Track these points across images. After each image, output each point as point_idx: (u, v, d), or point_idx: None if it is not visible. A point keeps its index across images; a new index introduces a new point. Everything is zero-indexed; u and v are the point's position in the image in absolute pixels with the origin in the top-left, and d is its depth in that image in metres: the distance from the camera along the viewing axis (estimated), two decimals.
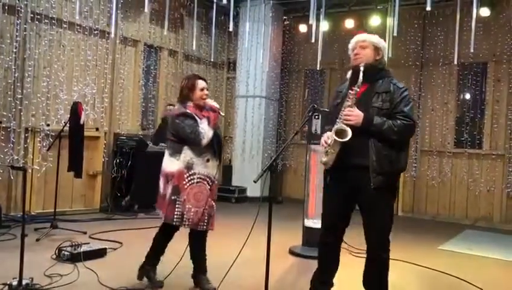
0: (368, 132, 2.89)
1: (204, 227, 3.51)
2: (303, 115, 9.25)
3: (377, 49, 3.06)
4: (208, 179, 3.48)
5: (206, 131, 3.40)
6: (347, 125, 2.89)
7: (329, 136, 2.94)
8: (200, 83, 3.52)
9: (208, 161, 3.48)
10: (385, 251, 3.00)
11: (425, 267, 4.71)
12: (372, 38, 3.09)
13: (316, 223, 4.97)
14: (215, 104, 3.58)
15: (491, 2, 7.34)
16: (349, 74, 3.16)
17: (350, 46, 3.14)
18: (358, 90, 2.93)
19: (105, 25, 7.02)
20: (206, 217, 3.48)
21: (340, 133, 2.88)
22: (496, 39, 7.58)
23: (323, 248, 3.18)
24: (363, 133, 2.88)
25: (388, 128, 2.88)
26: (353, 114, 2.90)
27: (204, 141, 3.39)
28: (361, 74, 2.92)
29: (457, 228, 7.14)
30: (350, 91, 2.95)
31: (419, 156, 8.16)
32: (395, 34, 6.69)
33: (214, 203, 3.54)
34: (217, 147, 3.54)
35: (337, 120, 2.93)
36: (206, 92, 3.53)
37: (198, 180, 3.44)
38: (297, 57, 9.52)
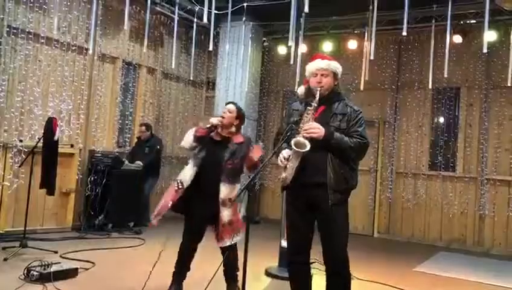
0: (328, 145, 2.98)
1: (152, 219, 3.86)
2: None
3: (335, 75, 3.19)
4: (177, 181, 3.81)
5: (185, 136, 3.89)
6: (310, 138, 2.95)
7: (287, 152, 3.02)
8: (225, 107, 3.95)
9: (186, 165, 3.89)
10: (345, 267, 3.05)
11: (400, 289, 4.73)
12: (331, 66, 3.18)
13: None
14: (212, 119, 3.87)
15: (464, 30, 7.60)
16: (300, 91, 3.28)
17: (310, 69, 3.20)
18: (315, 105, 3.06)
19: (83, 41, 6.97)
20: (156, 212, 3.82)
21: (298, 145, 2.94)
22: (468, 65, 7.82)
23: (293, 268, 3.20)
24: (322, 150, 2.97)
25: (346, 142, 3.00)
26: (314, 127, 2.98)
27: (182, 143, 3.94)
28: (317, 97, 3.07)
29: (432, 249, 7.22)
30: (308, 107, 3.08)
31: (395, 178, 8.27)
32: (371, 57, 6.82)
33: (168, 205, 3.75)
34: (202, 162, 3.78)
35: (297, 135, 2.99)
36: (223, 114, 3.88)
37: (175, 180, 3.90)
38: (276, 78, 9.61)
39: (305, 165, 2.99)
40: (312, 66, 3.19)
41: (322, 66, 3.15)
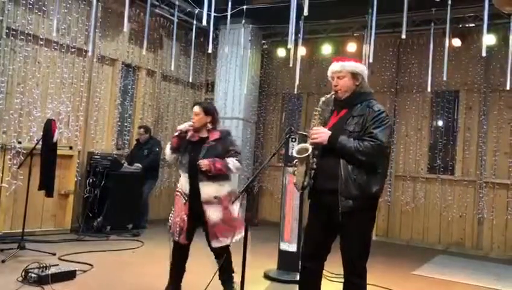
0: (334, 150, 2.88)
1: (177, 238, 3.70)
2: (280, 137, 9.30)
3: (355, 75, 3.04)
4: (182, 193, 3.75)
5: (166, 150, 3.94)
6: (314, 143, 2.92)
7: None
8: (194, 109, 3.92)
9: (180, 176, 3.85)
10: (358, 277, 2.97)
11: None
12: (347, 66, 3.04)
13: (291, 246, 4.95)
14: (180, 126, 3.84)
15: (463, 33, 7.61)
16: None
17: (328, 74, 3.14)
18: (319, 109, 3.02)
19: (82, 43, 6.97)
20: (178, 229, 3.70)
21: (300, 151, 2.92)
22: (467, 69, 7.82)
23: (304, 274, 3.12)
24: (335, 156, 2.88)
25: (353, 147, 2.83)
26: (319, 132, 2.93)
27: (166, 158, 4.04)
28: (320, 101, 3.06)
29: (431, 253, 7.21)
30: (314, 112, 3.04)
31: (394, 181, 8.26)
32: (370, 60, 6.84)
33: (185, 218, 3.69)
34: (189, 166, 3.75)
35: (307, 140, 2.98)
36: (193, 116, 3.87)
37: (177, 193, 3.81)
38: (275, 81, 9.62)
39: (318, 171, 2.94)
40: (329, 71, 3.12)
41: (336, 69, 3.06)
